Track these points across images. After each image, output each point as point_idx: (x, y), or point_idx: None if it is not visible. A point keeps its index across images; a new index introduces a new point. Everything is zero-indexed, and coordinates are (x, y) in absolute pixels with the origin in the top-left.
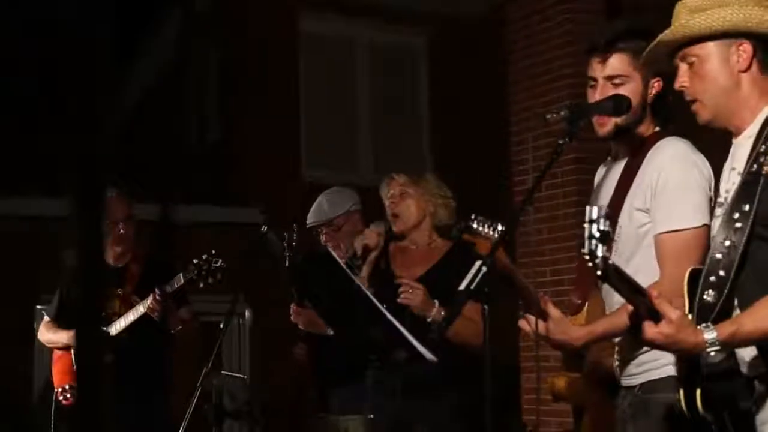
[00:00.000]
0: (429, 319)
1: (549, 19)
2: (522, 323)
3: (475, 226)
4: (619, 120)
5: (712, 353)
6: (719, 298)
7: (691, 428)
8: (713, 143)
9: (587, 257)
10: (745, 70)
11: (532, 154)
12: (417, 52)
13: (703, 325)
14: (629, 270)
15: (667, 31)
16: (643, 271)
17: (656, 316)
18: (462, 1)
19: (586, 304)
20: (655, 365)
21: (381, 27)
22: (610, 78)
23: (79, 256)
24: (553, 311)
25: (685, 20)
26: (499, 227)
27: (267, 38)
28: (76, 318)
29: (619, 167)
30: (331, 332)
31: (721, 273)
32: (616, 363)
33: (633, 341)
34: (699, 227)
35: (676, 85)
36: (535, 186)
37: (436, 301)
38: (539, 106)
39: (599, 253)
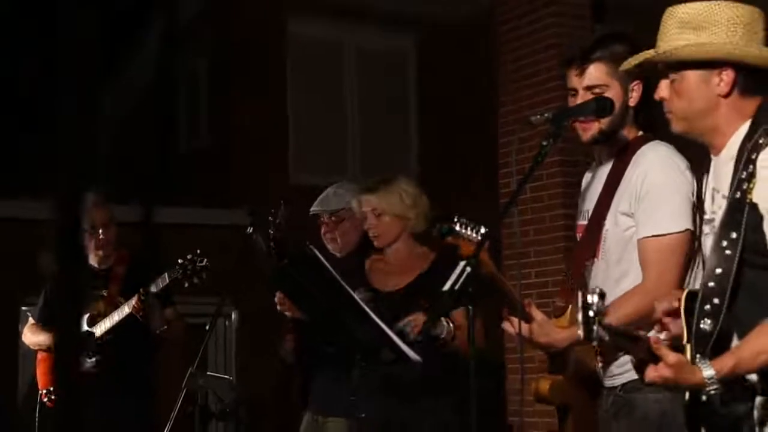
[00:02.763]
0: (442, 335)
1: (536, 22)
2: (506, 326)
3: (457, 228)
4: (602, 125)
5: (712, 390)
6: (715, 326)
7: (674, 427)
8: (695, 145)
9: (587, 339)
10: (726, 95)
11: (516, 157)
12: (405, 56)
13: (700, 362)
14: (617, 273)
15: (653, 52)
16: (631, 273)
17: (656, 358)
18: (450, 4)
19: (570, 307)
20: None
21: (369, 30)
22: (589, 88)
23: (57, 259)
24: (537, 314)
25: (673, 45)
26: (482, 229)
27: (256, 42)
28: (55, 321)
29: (604, 171)
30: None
31: (716, 301)
32: (599, 364)
33: None
34: (682, 232)
35: (656, 96)
36: (519, 188)
37: (442, 318)
38: (526, 108)
39: (597, 333)
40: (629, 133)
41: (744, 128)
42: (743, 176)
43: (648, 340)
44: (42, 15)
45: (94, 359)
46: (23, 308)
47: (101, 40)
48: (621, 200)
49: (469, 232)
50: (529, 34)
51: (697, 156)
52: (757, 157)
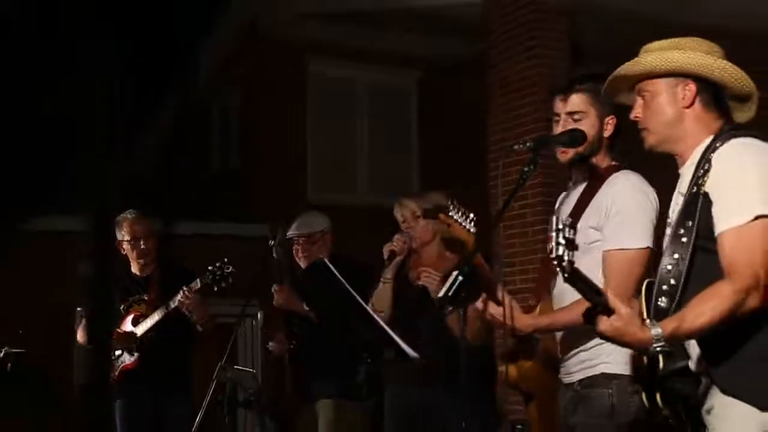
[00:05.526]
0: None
1: (521, 62)
2: (478, 304)
3: (451, 212)
4: (577, 150)
5: (658, 347)
6: (671, 303)
7: (623, 416)
8: (659, 171)
9: (555, 261)
10: (689, 107)
11: (502, 180)
12: (408, 91)
13: (649, 321)
14: None
15: (622, 67)
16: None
17: (610, 313)
18: (447, 47)
19: (539, 305)
20: (592, 363)
21: (378, 69)
22: (570, 114)
23: (93, 268)
24: (506, 299)
25: (639, 59)
26: (472, 216)
27: (281, 79)
28: (89, 325)
29: (578, 192)
30: (307, 308)
31: (672, 282)
32: (560, 360)
33: (573, 340)
34: (643, 248)
35: (632, 116)
36: (504, 207)
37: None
38: (512, 137)
39: (566, 257)
40: (603, 160)
41: (707, 141)
42: (700, 173)
43: (606, 293)
44: (77, 39)
45: (136, 355)
46: (78, 309)
47: (141, 73)
48: (590, 216)
49: (460, 217)
50: (515, 74)
51: (660, 178)
52: (712, 156)
